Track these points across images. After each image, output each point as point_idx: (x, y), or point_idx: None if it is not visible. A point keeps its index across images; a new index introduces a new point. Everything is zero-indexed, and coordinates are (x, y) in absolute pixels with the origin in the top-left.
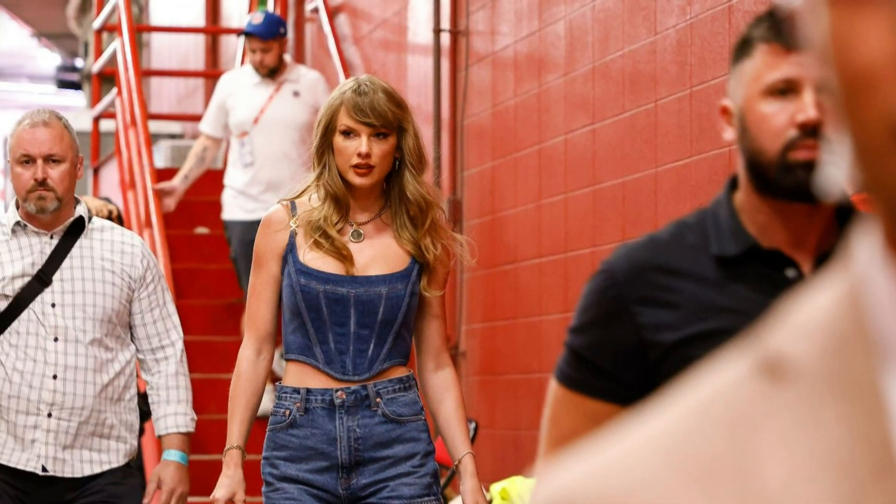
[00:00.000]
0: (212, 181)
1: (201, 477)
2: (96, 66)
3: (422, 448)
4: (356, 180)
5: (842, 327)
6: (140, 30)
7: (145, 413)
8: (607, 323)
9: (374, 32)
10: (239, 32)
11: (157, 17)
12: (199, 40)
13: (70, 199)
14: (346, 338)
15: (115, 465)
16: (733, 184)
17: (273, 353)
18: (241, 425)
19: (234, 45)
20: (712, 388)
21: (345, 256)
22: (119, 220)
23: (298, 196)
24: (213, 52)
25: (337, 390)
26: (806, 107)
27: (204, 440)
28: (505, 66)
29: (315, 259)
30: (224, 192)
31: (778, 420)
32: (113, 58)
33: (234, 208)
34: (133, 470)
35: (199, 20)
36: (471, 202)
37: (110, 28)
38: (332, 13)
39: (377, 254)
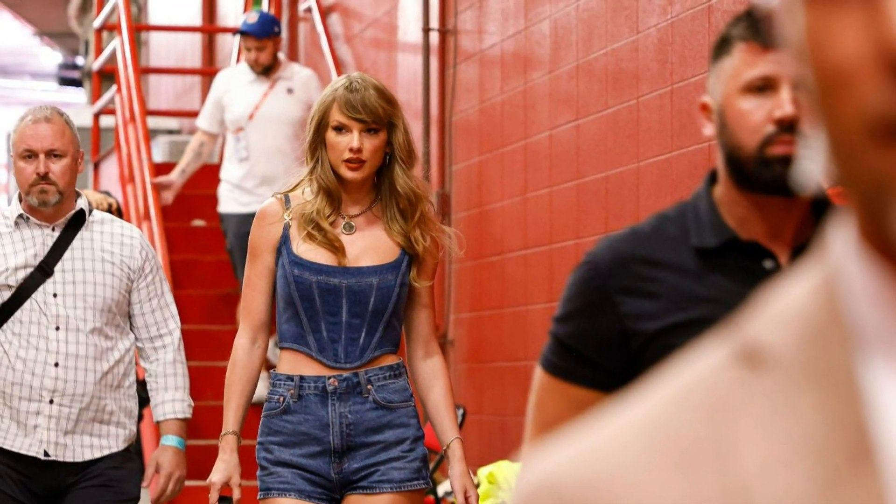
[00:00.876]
0: (208, 175)
1: (198, 461)
2: (96, 64)
3: (411, 433)
4: (348, 174)
5: (817, 316)
6: (139, 29)
7: (144, 399)
8: (591, 312)
9: (365, 31)
10: (234, 31)
11: (155, 16)
12: (196, 39)
13: (71, 193)
14: (339, 327)
15: (114, 449)
16: (713, 178)
17: (267, 342)
18: (236, 411)
19: (229, 44)
20: (692, 376)
21: (337, 248)
22: (119, 212)
23: (292, 190)
24: (209, 50)
25: (329, 377)
26: (783, 103)
27: (201, 426)
28: (492, 63)
29: (308, 251)
30: (220, 185)
31: (756, 406)
32: (113, 56)
33: (229, 201)
34: (132, 454)
35: (196, 19)
36: (459, 196)
37: (110, 27)
38: (325, 13)
39: (368, 245)
